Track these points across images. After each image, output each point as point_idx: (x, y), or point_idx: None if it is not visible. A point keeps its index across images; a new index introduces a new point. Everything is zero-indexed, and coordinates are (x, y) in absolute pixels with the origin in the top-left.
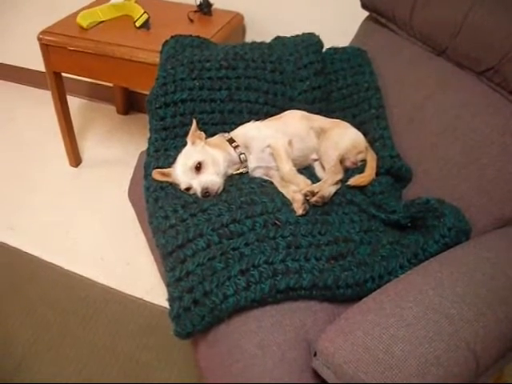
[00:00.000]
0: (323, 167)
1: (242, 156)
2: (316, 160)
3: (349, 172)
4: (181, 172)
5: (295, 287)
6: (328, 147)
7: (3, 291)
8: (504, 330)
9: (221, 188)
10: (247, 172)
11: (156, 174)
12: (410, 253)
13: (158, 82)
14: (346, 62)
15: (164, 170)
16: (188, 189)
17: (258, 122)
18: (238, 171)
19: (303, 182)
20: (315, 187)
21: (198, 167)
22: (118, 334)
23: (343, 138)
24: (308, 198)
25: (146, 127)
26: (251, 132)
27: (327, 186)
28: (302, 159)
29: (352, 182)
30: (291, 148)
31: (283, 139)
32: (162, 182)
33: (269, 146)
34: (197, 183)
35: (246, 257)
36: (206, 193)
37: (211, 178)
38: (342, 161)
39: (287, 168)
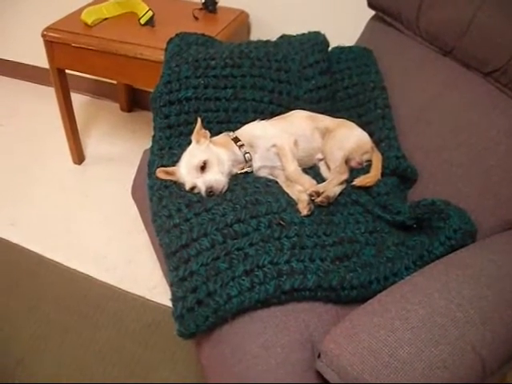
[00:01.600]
0: (328, 167)
1: (247, 155)
2: (321, 160)
3: (354, 172)
4: (185, 171)
5: (300, 288)
6: (333, 147)
7: (4, 287)
8: (510, 333)
9: (225, 187)
10: (252, 171)
11: (160, 173)
12: (415, 254)
13: (163, 79)
14: (351, 62)
15: (168, 168)
16: (192, 188)
17: (263, 121)
18: (243, 170)
19: (308, 182)
20: (320, 187)
21: (203, 166)
22: (119, 332)
23: (348, 138)
24: (313, 198)
25: (149, 125)
26: (256, 131)
27: (332, 187)
28: (306, 159)
29: (357, 182)
30: (296, 148)
31: (289, 139)
32: (165, 180)
33: (274, 146)
34: (201, 182)
35: (251, 257)
36: (210, 192)
37: (216, 178)
38: (347, 161)
39: (292, 168)
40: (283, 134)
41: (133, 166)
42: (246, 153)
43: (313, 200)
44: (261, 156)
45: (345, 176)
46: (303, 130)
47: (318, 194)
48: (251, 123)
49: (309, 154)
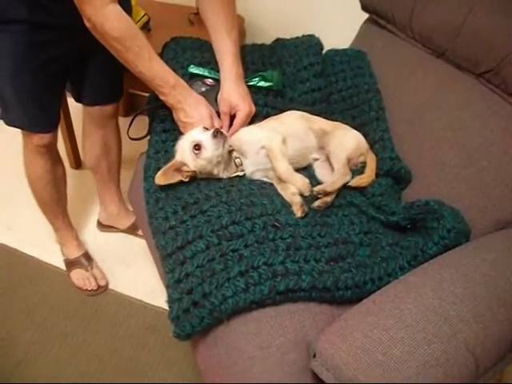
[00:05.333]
0: (331, 165)
1: (237, 160)
2: (317, 159)
3: None
4: (188, 134)
5: (294, 289)
6: (337, 147)
7: (2, 292)
8: (503, 331)
9: (228, 144)
10: (244, 175)
11: (159, 178)
12: (409, 254)
13: None
14: (345, 64)
15: (164, 168)
16: (197, 146)
17: (251, 125)
18: (235, 174)
19: (300, 181)
20: (327, 187)
21: (207, 128)
22: (117, 336)
23: (349, 139)
24: (320, 196)
25: (145, 129)
26: (244, 136)
27: (337, 187)
28: (299, 158)
29: (353, 183)
30: (286, 146)
31: (277, 138)
32: (166, 185)
33: (263, 148)
34: (207, 133)
35: (246, 258)
36: (217, 132)
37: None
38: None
39: (283, 167)
40: (271, 134)
41: (129, 170)
42: (236, 158)
43: (319, 197)
44: (252, 161)
45: (348, 177)
46: (296, 129)
47: (326, 192)
48: (241, 129)
49: (301, 153)
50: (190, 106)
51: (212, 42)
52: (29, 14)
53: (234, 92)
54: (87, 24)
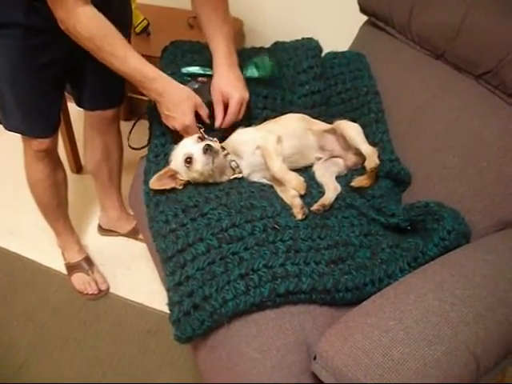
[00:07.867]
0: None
1: (233, 163)
2: (320, 158)
3: (348, 176)
4: (181, 144)
5: (295, 291)
6: (350, 128)
7: (3, 296)
8: (504, 332)
9: (221, 156)
10: (242, 177)
11: (154, 183)
12: (409, 256)
13: None
14: (345, 67)
15: (159, 173)
16: (189, 159)
17: (249, 127)
18: (233, 176)
19: (295, 179)
20: (370, 163)
21: (201, 137)
22: (118, 339)
23: (356, 125)
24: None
25: (146, 133)
26: (239, 138)
27: (375, 158)
28: (298, 156)
29: (356, 183)
30: (281, 145)
31: (271, 138)
32: (161, 191)
33: (258, 148)
34: (197, 146)
35: (246, 261)
36: (206, 149)
37: (213, 143)
38: (346, 160)
39: (277, 166)
40: (266, 134)
41: (130, 174)
42: (232, 161)
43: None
44: (248, 162)
45: (377, 152)
46: (293, 128)
47: (376, 167)
48: (236, 131)
49: (299, 151)
50: (172, 98)
51: (205, 36)
52: (25, 18)
53: (224, 80)
54: (61, 26)
